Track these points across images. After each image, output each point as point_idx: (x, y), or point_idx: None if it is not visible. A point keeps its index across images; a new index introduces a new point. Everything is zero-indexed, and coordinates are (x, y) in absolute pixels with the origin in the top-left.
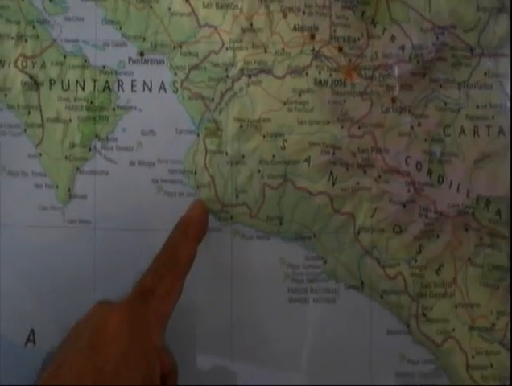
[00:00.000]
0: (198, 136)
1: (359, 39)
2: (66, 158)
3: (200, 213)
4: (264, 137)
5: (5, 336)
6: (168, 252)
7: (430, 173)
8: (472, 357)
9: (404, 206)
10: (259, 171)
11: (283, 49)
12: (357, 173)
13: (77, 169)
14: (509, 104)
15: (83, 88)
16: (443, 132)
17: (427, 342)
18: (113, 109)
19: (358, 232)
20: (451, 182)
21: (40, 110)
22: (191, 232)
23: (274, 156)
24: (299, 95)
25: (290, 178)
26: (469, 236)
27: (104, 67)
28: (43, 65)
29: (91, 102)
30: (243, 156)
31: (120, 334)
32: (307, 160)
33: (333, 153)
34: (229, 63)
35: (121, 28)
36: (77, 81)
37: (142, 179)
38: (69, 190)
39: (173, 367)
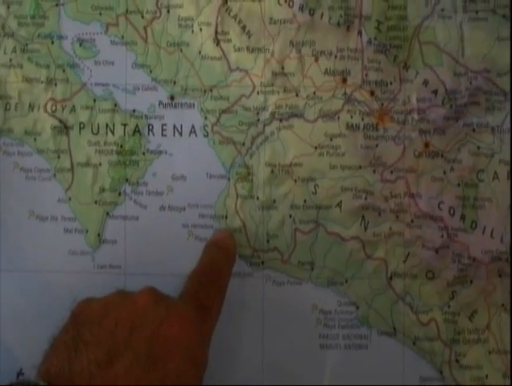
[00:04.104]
0: (229, 180)
1: (391, 83)
2: (96, 202)
3: (229, 234)
4: (295, 181)
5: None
6: (213, 270)
7: (463, 218)
8: None
9: (437, 251)
10: (291, 216)
11: (315, 93)
12: (389, 218)
13: (107, 213)
14: None
15: (113, 133)
16: (477, 177)
17: None
18: (144, 154)
19: (391, 278)
20: (484, 228)
21: (70, 154)
22: (229, 249)
23: (305, 201)
24: (331, 139)
25: (321, 223)
26: (503, 282)
27: (134, 111)
28: (73, 109)
29: (121, 146)
30: (274, 201)
31: (182, 349)
32: (339, 205)
33: (365, 198)
34: (260, 107)
35: (151, 72)
36: (107, 125)
37: (173, 224)
38: (99, 235)
39: None
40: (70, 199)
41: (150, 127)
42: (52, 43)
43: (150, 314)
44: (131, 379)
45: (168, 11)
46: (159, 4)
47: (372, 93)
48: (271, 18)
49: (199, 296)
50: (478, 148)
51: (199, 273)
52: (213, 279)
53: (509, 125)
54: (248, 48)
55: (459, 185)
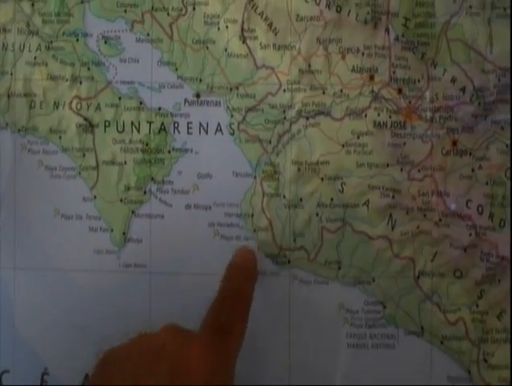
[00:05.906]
0: (255, 179)
1: (419, 80)
2: (121, 200)
3: (251, 255)
4: (322, 180)
5: (55, 380)
6: (235, 293)
7: (492, 216)
8: None
9: (465, 250)
10: (317, 215)
11: (342, 90)
12: (417, 217)
13: (132, 212)
14: None
15: (138, 131)
16: (505, 175)
17: None
18: (169, 152)
19: (418, 277)
20: None
21: (95, 152)
22: (250, 269)
23: (332, 199)
24: (358, 137)
25: (348, 221)
26: None
27: (160, 109)
28: (98, 107)
29: (146, 144)
30: (301, 199)
31: (202, 368)
32: (366, 203)
33: (393, 197)
34: (286, 104)
35: (177, 70)
36: (133, 123)
37: (199, 223)
38: (124, 234)
39: None
40: (95, 197)
41: (176, 125)
42: (77, 40)
43: (170, 341)
44: None
45: (194, 8)
46: (185, 1)
47: (399, 91)
48: (298, 15)
49: (220, 322)
50: (507, 146)
51: (220, 299)
52: (235, 303)
53: None
54: (274, 45)
55: (487, 183)
